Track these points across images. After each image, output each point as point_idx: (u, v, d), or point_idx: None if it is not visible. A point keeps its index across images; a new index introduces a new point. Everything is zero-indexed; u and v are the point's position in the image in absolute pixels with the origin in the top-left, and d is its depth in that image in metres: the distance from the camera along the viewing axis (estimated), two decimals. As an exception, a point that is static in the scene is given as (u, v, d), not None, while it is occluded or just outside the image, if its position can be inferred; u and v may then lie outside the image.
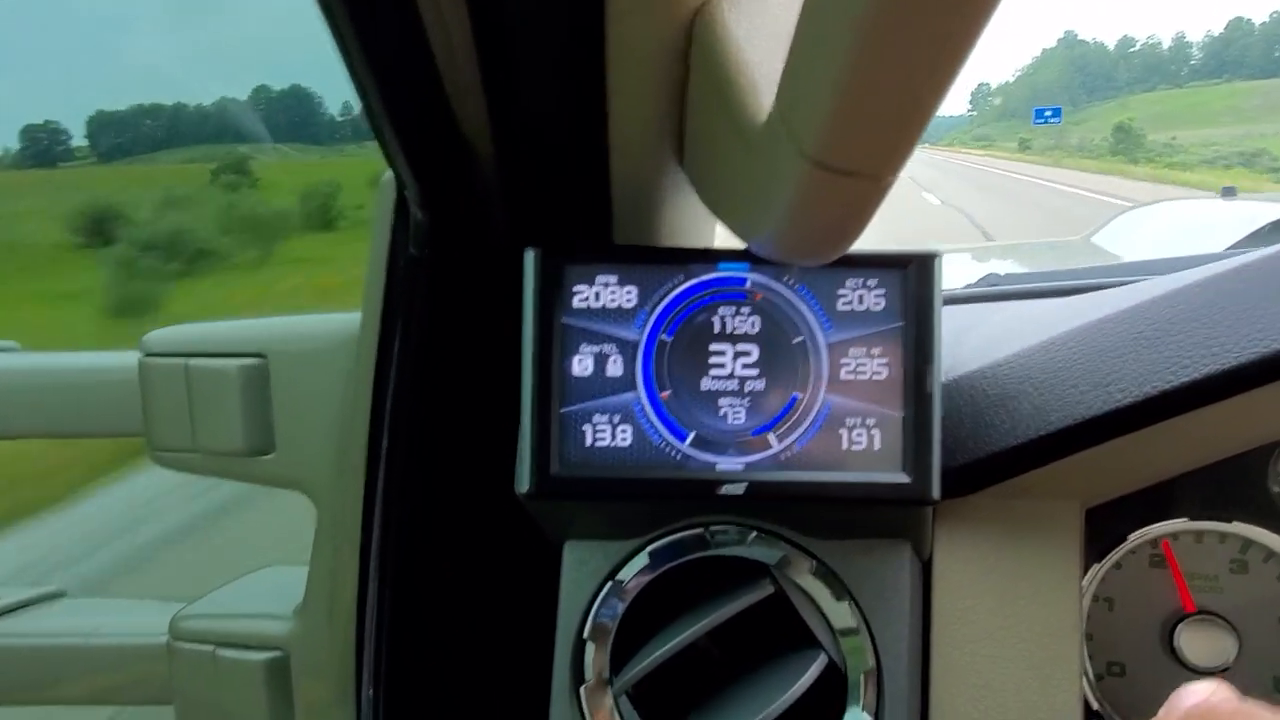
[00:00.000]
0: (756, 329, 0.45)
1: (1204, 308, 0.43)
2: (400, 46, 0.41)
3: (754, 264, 0.45)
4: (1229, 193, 2.43)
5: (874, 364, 0.45)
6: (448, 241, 0.52)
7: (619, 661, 0.50)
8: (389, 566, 0.58)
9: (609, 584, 0.51)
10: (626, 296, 0.45)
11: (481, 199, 0.50)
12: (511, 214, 0.51)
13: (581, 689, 0.50)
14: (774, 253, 0.40)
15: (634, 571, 0.51)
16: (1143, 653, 0.56)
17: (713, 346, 0.46)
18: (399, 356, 0.55)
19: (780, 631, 0.50)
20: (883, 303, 0.45)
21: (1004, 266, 1.75)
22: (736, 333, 0.45)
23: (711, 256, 0.46)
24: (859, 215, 0.33)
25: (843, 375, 0.45)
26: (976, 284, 1.00)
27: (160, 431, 0.62)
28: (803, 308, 0.45)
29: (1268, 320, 0.41)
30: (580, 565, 0.52)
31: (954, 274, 1.29)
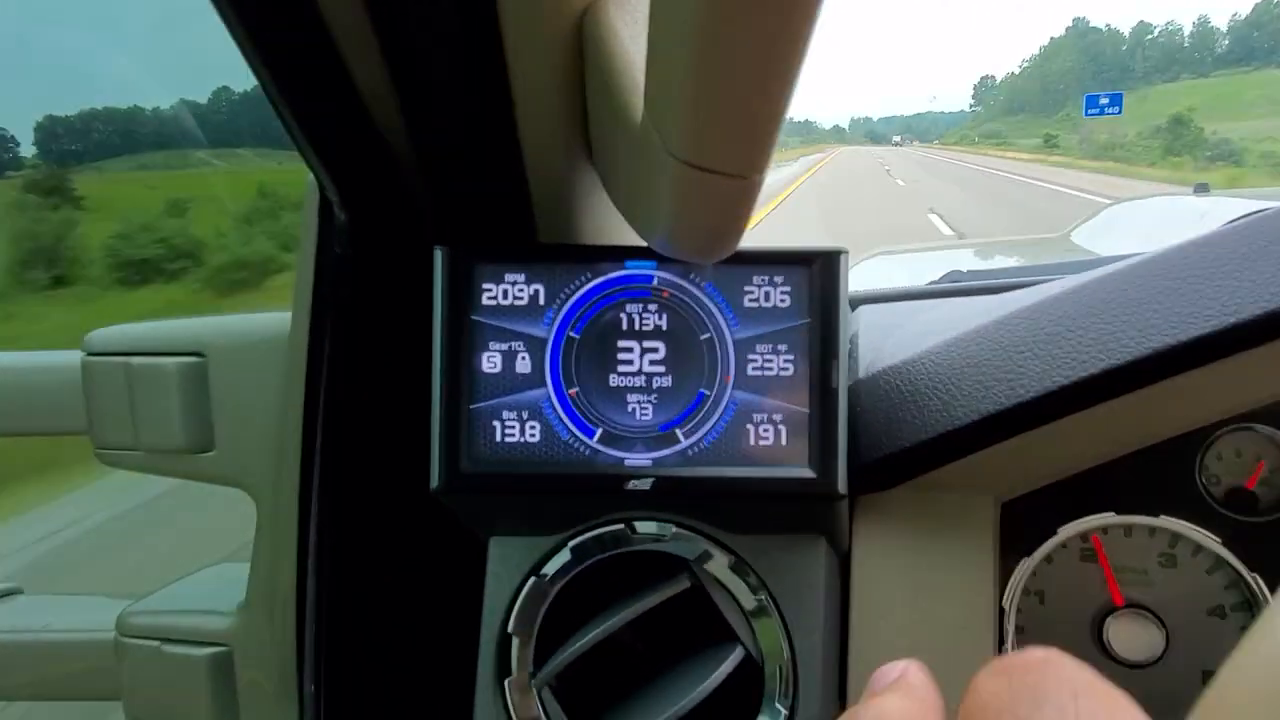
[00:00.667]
0: (664, 326, 0.46)
1: (1101, 304, 0.44)
2: (305, 51, 0.42)
3: (661, 262, 0.46)
4: (1202, 189, 2.44)
5: (780, 360, 0.45)
6: (370, 240, 0.53)
7: (543, 655, 0.51)
8: (326, 563, 0.58)
9: (532, 579, 0.51)
10: (534, 294, 0.46)
11: (403, 198, 0.51)
12: (433, 213, 0.51)
13: (506, 682, 0.51)
14: (669, 251, 0.40)
15: (557, 567, 0.51)
16: (1073, 646, 0.57)
17: (620, 343, 0.46)
18: (329, 354, 0.55)
19: (700, 626, 0.51)
20: (788, 300, 0.45)
21: (975, 263, 1.75)
22: (644, 330, 0.46)
23: (619, 254, 0.46)
24: (734, 213, 0.34)
25: (749, 372, 0.45)
26: (939, 280, 1.01)
27: (103, 430, 0.63)
28: (710, 305, 0.46)
29: (1160, 317, 0.41)
30: (504, 560, 0.52)
31: (927, 272, 1.29)
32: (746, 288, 0.45)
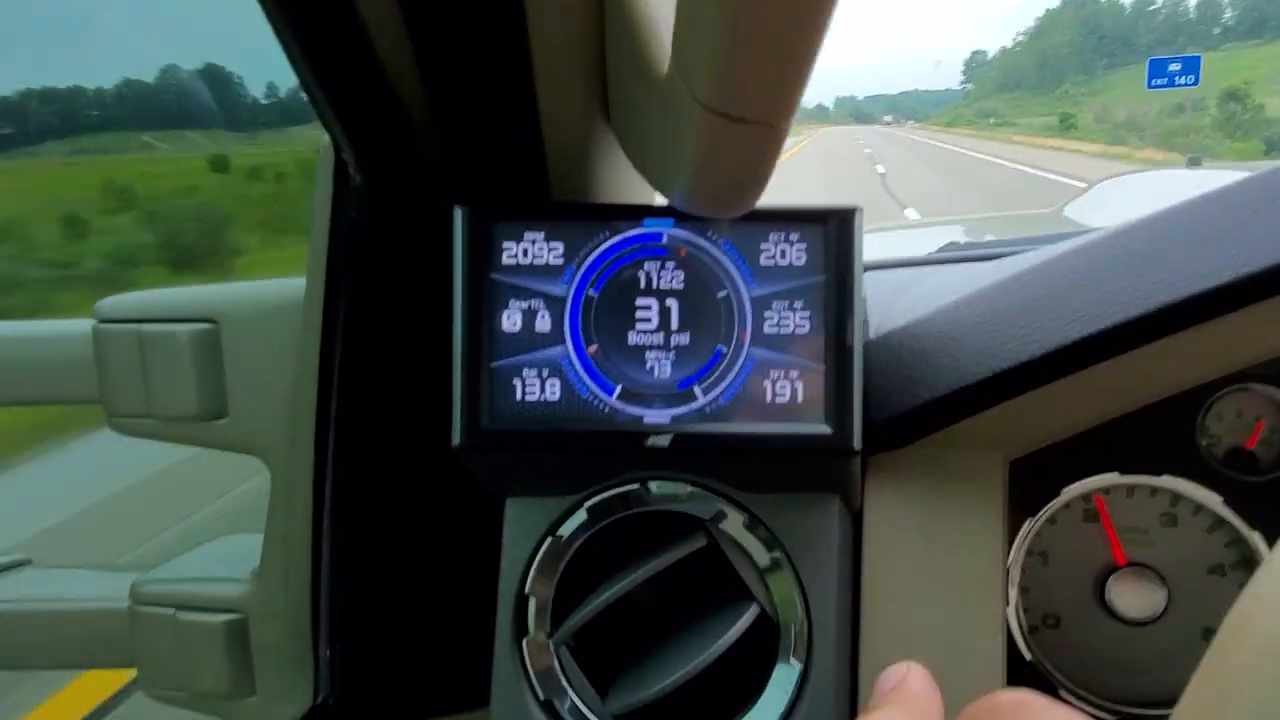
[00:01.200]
0: (681, 284, 0.46)
1: (1109, 261, 0.45)
2: (323, 7, 0.42)
3: (678, 220, 0.46)
4: (1194, 162, 2.46)
5: (796, 318, 0.46)
6: (386, 202, 0.53)
7: (560, 615, 0.52)
8: (341, 528, 0.59)
9: (549, 539, 0.52)
10: (553, 253, 0.46)
11: (419, 159, 0.51)
12: (449, 173, 0.51)
13: (524, 641, 0.52)
14: (689, 206, 0.41)
15: (573, 527, 0.52)
16: (1076, 605, 0.58)
17: (639, 301, 0.46)
18: (344, 318, 0.55)
19: (716, 585, 0.51)
20: (804, 257, 0.46)
21: (970, 239, 1.76)
22: (661, 288, 0.46)
23: (637, 213, 0.46)
24: (759, 164, 0.34)
25: (766, 329, 0.46)
26: (938, 251, 1.02)
27: (116, 397, 0.63)
28: (726, 262, 0.46)
29: (1167, 273, 0.42)
30: (521, 521, 0.53)
31: (924, 248, 1.30)
32: (763, 245, 0.46)
